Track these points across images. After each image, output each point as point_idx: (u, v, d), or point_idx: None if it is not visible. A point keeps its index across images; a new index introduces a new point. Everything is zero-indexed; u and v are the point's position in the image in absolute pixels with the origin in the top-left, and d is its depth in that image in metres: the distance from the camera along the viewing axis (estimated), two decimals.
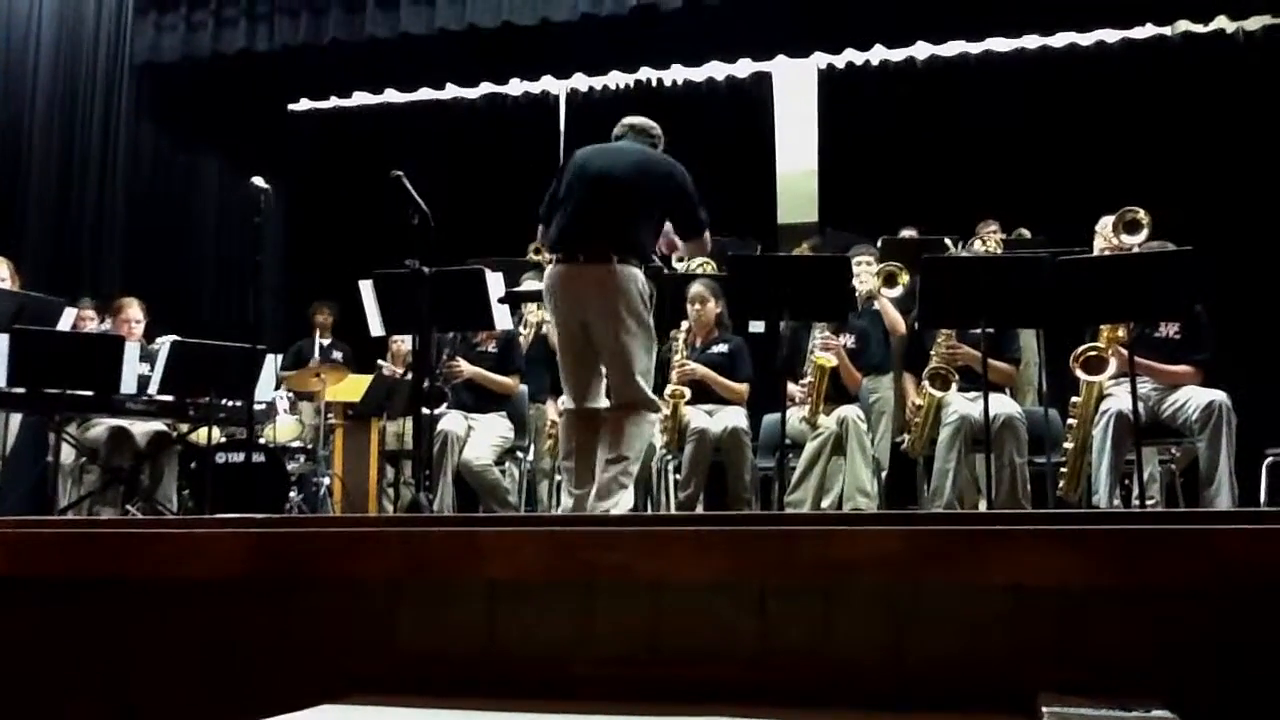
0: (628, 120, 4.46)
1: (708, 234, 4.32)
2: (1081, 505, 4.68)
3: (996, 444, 4.62)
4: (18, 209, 7.81)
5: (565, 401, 4.28)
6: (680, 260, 5.61)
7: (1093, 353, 4.61)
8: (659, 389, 4.56)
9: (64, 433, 5.49)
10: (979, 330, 4.66)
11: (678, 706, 1.56)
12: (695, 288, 5.47)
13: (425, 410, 4.65)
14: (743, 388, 5.35)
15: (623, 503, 4.05)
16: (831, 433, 5.01)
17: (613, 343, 4.02)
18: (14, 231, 7.63)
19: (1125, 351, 4.43)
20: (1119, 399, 4.54)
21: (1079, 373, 4.62)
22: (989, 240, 6.34)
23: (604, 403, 4.22)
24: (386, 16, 7.95)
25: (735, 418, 5.19)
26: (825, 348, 5.09)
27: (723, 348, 5.43)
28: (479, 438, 5.47)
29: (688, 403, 5.25)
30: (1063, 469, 4.74)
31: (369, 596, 1.84)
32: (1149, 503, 4.78)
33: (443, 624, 1.80)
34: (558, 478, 5.49)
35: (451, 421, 5.45)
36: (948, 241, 5.94)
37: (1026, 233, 6.13)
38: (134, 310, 6.11)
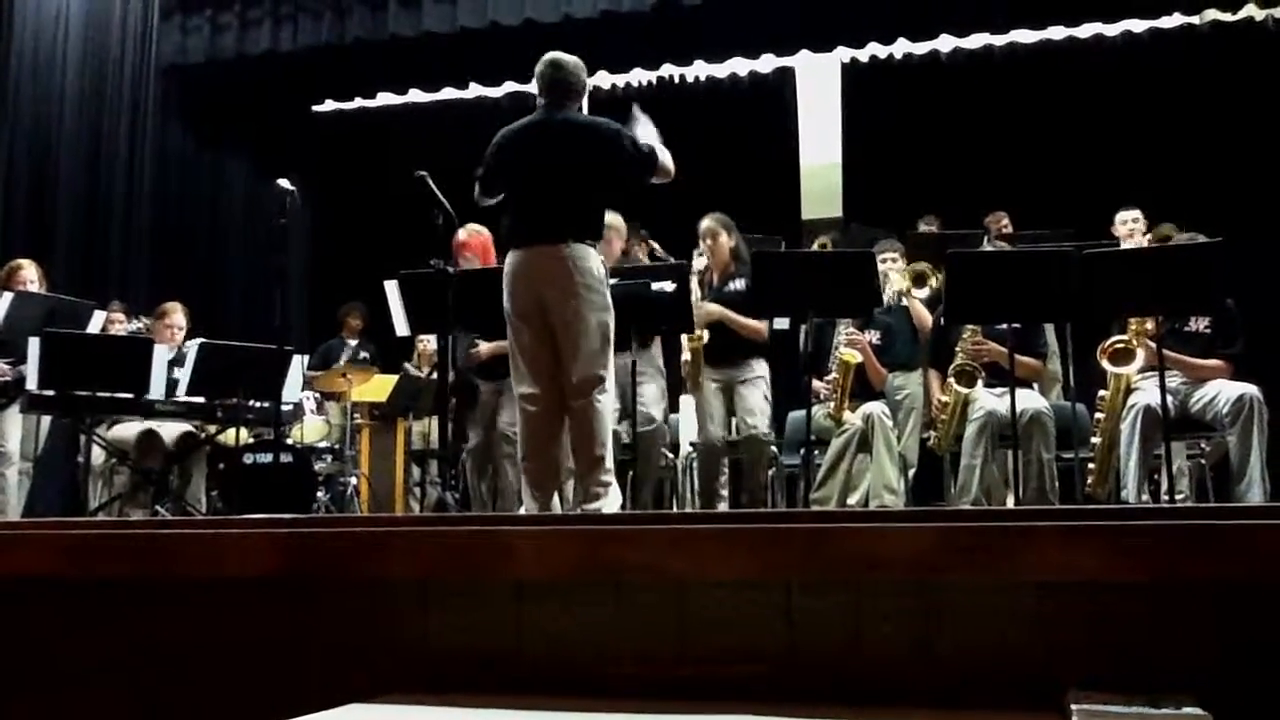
0: (545, 71, 4.23)
1: (661, 156, 4.20)
2: (1110, 501, 4.64)
3: (1024, 440, 4.59)
4: (46, 212, 7.88)
5: (523, 387, 4.13)
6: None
7: (1120, 345, 4.56)
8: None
9: (94, 434, 5.53)
10: (1005, 326, 4.64)
11: (705, 705, 1.56)
12: (704, 223, 5.30)
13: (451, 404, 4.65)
14: (761, 325, 5.15)
15: (611, 500, 4.02)
16: (857, 429, 4.99)
17: (570, 317, 3.99)
18: (43, 234, 7.70)
19: (1153, 344, 4.39)
20: (1147, 393, 4.50)
21: (1106, 364, 4.58)
22: (998, 230, 6.31)
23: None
24: (409, 15, 7.99)
25: (755, 416, 5.10)
26: (850, 343, 5.06)
27: (739, 284, 5.22)
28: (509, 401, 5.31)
29: (707, 361, 5.13)
30: (1091, 465, 4.71)
31: (397, 596, 1.85)
32: (1179, 498, 4.74)
33: (470, 623, 1.80)
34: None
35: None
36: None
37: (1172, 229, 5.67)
38: (177, 316, 6.17)
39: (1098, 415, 4.71)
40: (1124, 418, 4.53)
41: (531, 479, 4.13)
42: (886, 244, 5.69)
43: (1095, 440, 4.71)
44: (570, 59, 4.29)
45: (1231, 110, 7.40)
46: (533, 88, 4.35)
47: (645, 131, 4.23)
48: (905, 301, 5.41)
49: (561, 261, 3.98)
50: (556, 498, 4.28)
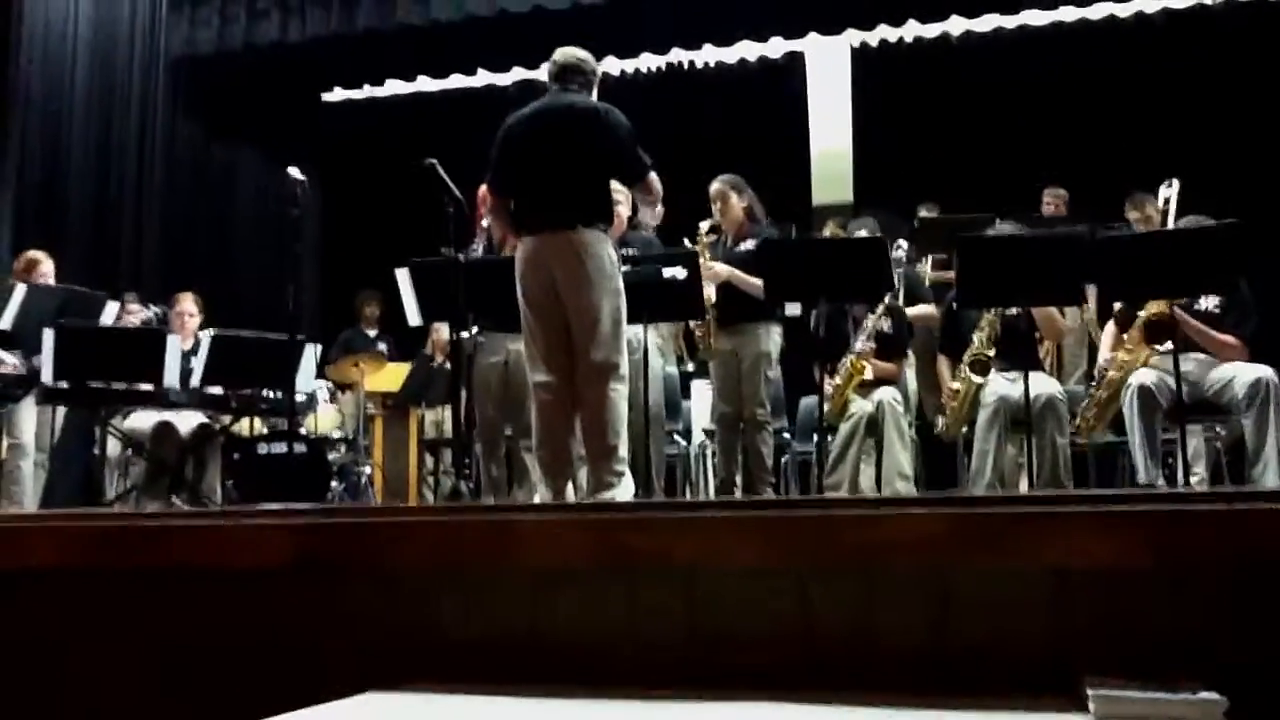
0: (557, 59, 4.25)
1: (653, 176, 4.16)
2: (1122, 483, 4.63)
3: (1038, 424, 4.57)
4: (58, 203, 7.91)
5: (537, 375, 4.12)
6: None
7: (1157, 316, 4.47)
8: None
9: (110, 426, 5.56)
10: (1017, 312, 4.63)
11: (719, 691, 1.57)
12: (713, 186, 5.25)
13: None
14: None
15: (625, 490, 4.00)
16: (864, 414, 4.97)
17: (582, 304, 3.97)
18: (55, 226, 7.72)
19: (1181, 313, 4.37)
20: (1143, 374, 4.48)
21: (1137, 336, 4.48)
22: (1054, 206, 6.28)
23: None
24: (417, 4, 7.98)
25: (755, 401, 5.08)
26: (862, 358, 5.01)
27: (751, 244, 5.13)
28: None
29: (718, 320, 5.08)
30: (1089, 414, 4.69)
31: (412, 585, 1.85)
32: (1194, 481, 4.72)
33: (485, 611, 1.81)
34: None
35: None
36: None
37: None
38: (188, 304, 6.19)
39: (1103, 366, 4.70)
40: (1123, 400, 4.52)
41: (545, 467, 4.12)
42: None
43: (1093, 392, 4.71)
44: (580, 50, 4.29)
45: (1245, 89, 7.35)
46: (541, 74, 4.34)
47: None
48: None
49: (571, 247, 3.97)
50: (570, 485, 4.27)
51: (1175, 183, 5.18)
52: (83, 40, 8.25)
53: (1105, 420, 4.75)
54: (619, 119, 4.11)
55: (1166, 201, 5.37)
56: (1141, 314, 4.53)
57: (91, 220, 8.11)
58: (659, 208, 4.38)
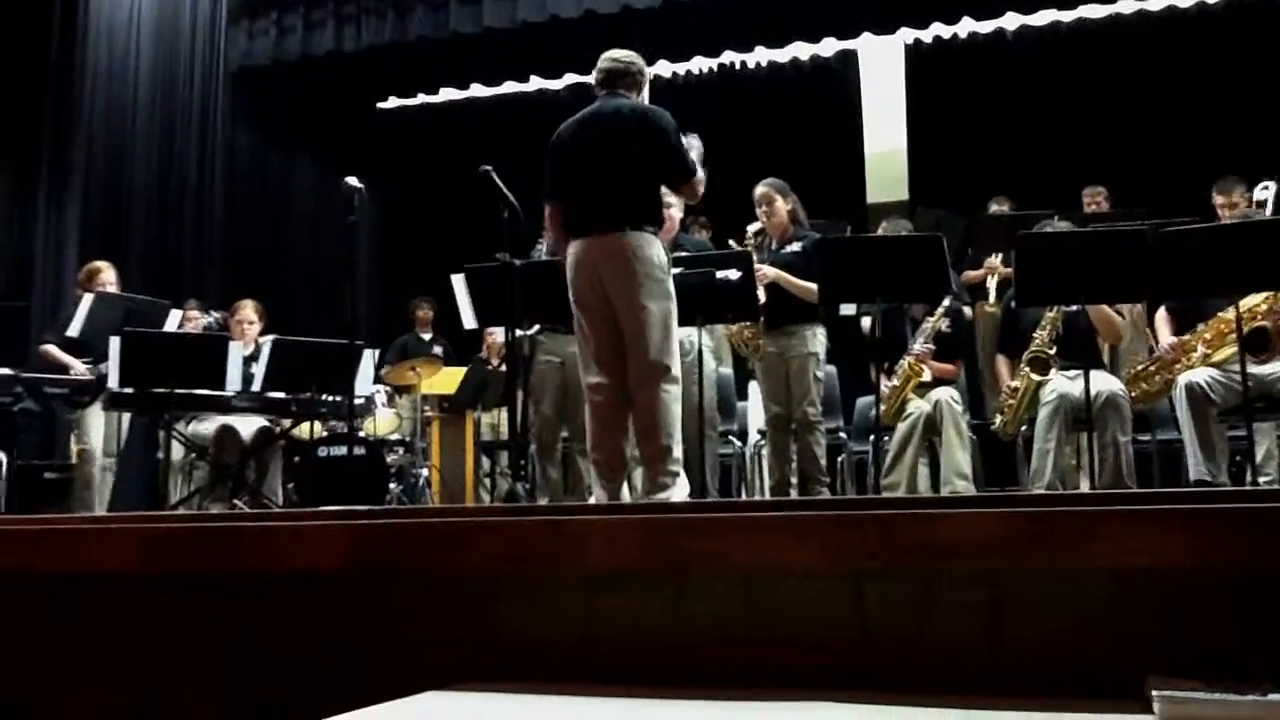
0: (602, 65, 4.27)
1: (700, 174, 4.16)
2: (1180, 483, 4.54)
3: (1099, 423, 4.50)
4: (122, 214, 8.08)
5: (590, 377, 4.14)
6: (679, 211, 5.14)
7: (1258, 329, 4.34)
8: None
9: (174, 431, 5.67)
10: (1077, 308, 4.56)
11: (775, 692, 1.56)
12: (758, 190, 5.25)
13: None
14: (814, 286, 4.94)
15: (680, 491, 3.99)
16: (922, 414, 4.93)
17: (633, 307, 3.96)
18: (118, 236, 7.90)
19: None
20: (1193, 373, 4.40)
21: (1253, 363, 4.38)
22: (1092, 205, 6.20)
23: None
24: (470, 12, 8.06)
25: (806, 401, 5.06)
26: (920, 360, 4.98)
27: (796, 247, 5.16)
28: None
29: (765, 323, 5.07)
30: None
31: (469, 586, 1.87)
32: (1263, 480, 4.63)
33: (542, 613, 1.82)
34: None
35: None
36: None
37: None
38: (248, 311, 6.30)
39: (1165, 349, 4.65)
40: (1174, 397, 4.46)
41: (600, 470, 4.13)
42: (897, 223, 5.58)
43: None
44: (625, 52, 4.30)
45: None
46: (593, 79, 4.36)
47: (693, 155, 4.19)
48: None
49: (621, 250, 3.97)
50: (625, 486, 4.27)
51: (1273, 185, 5.07)
52: (145, 53, 8.43)
53: (1147, 400, 4.71)
54: (665, 121, 4.11)
55: (1261, 205, 5.26)
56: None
57: (154, 230, 8.28)
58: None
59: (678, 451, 4.03)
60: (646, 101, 4.29)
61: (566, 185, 4.19)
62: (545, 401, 4.99)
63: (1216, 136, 7.13)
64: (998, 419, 4.95)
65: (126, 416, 5.94)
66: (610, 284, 4.00)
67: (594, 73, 4.31)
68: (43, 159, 7.94)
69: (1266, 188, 5.25)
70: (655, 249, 4.02)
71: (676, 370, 4.06)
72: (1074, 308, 4.66)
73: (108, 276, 5.99)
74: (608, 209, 4.03)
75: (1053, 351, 4.73)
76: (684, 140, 4.16)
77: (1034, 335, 4.76)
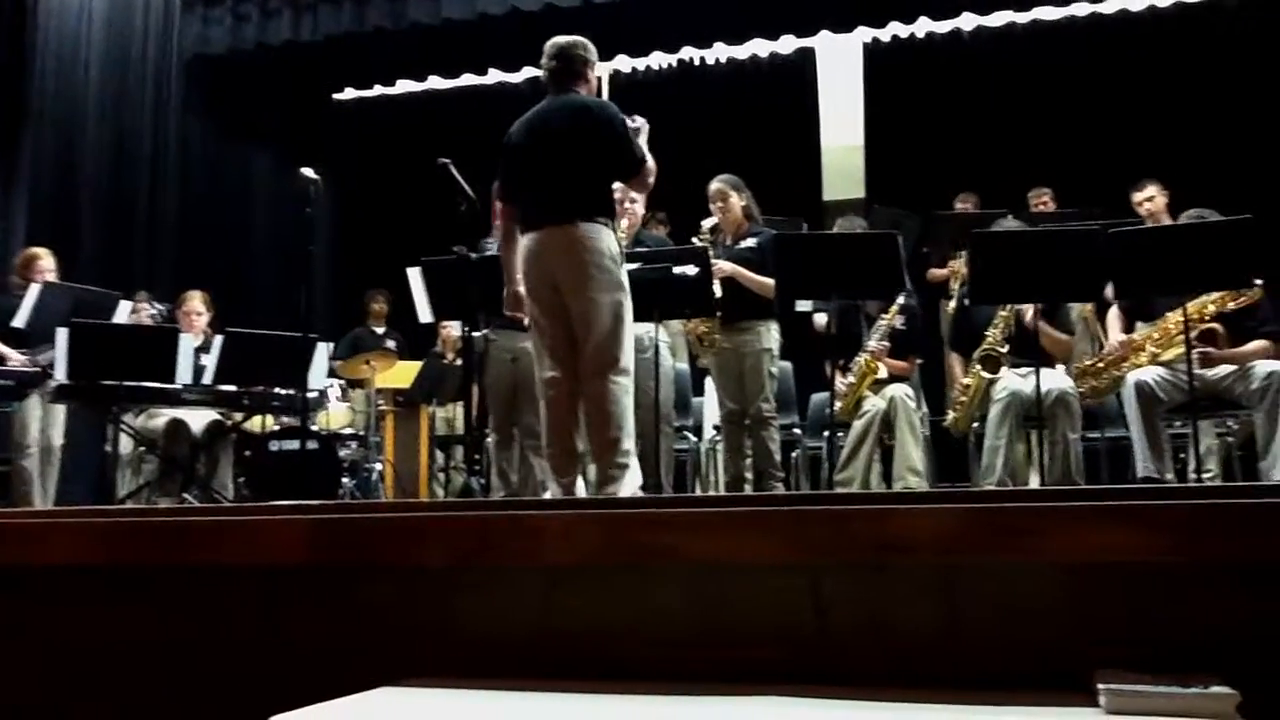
0: (548, 63, 4.27)
1: (648, 167, 4.15)
2: (1126, 480, 4.62)
3: (1049, 420, 4.56)
4: (72, 204, 7.95)
5: (544, 372, 4.13)
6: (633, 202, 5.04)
7: (1207, 325, 4.45)
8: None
9: (122, 423, 5.59)
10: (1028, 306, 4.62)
11: (732, 687, 1.57)
12: (713, 185, 5.27)
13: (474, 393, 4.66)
14: (770, 281, 4.95)
15: (629, 483, 3.98)
16: (878, 410, 4.97)
17: (583, 300, 3.97)
18: (69, 226, 7.76)
19: (1218, 353, 4.41)
20: (1141, 371, 4.48)
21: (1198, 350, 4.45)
22: (1038, 206, 6.30)
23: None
24: (428, 3, 8.00)
25: (760, 397, 5.08)
26: (876, 357, 5.02)
27: (751, 242, 5.19)
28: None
29: (721, 318, 5.07)
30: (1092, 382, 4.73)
31: (425, 581, 1.86)
32: (1206, 476, 4.71)
33: (498, 607, 1.82)
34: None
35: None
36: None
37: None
38: (195, 303, 6.22)
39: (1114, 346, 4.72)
40: (1123, 396, 4.54)
41: (554, 464, 4.13)
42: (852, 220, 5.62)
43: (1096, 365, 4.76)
44: (571, 39, 4.29)
45: (1260, 84, 7.31)
46: (541, 73, 4.35)
47: (640, 141, 4.20)
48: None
49: (572, 242, 3.96)
50: (581, 482, 4.27)
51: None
52: (96, 41, 8.29)
53: (1096, 395, 4.80)
54: (610, 112, 4.13)
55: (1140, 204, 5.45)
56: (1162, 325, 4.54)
57: (106, 220, 8.14)
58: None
59: (627, 444, 4.02)
60: (595, 87, 4.30)
61: (518, 182, 4.19)
62: (499, 398, 4.98)
63: (1164, 138, 7.25)
64: (949, 415, 5.01)
65: (60, 410, 5.80)
66: (561, 276, 3.99)
67: (542, 63, 4.29)
68: None
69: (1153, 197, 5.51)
70: (606, 240, 4.01)
71: (626, 362, 4.05)
72: (1026, 306, 4.72)
73: (46, 264, 5.84)
74: (558, 202, 4.02)
75: (1005, 350, 4.78)
76: (630, 120, 4.17)
77: (986, 334, 4.81)
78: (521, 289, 4.12)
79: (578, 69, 4.26)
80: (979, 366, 4.81)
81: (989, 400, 4.76)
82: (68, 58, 8.11)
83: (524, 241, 4.10)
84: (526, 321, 4.25)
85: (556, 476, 4.12)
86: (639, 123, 4.23)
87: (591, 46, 4.32)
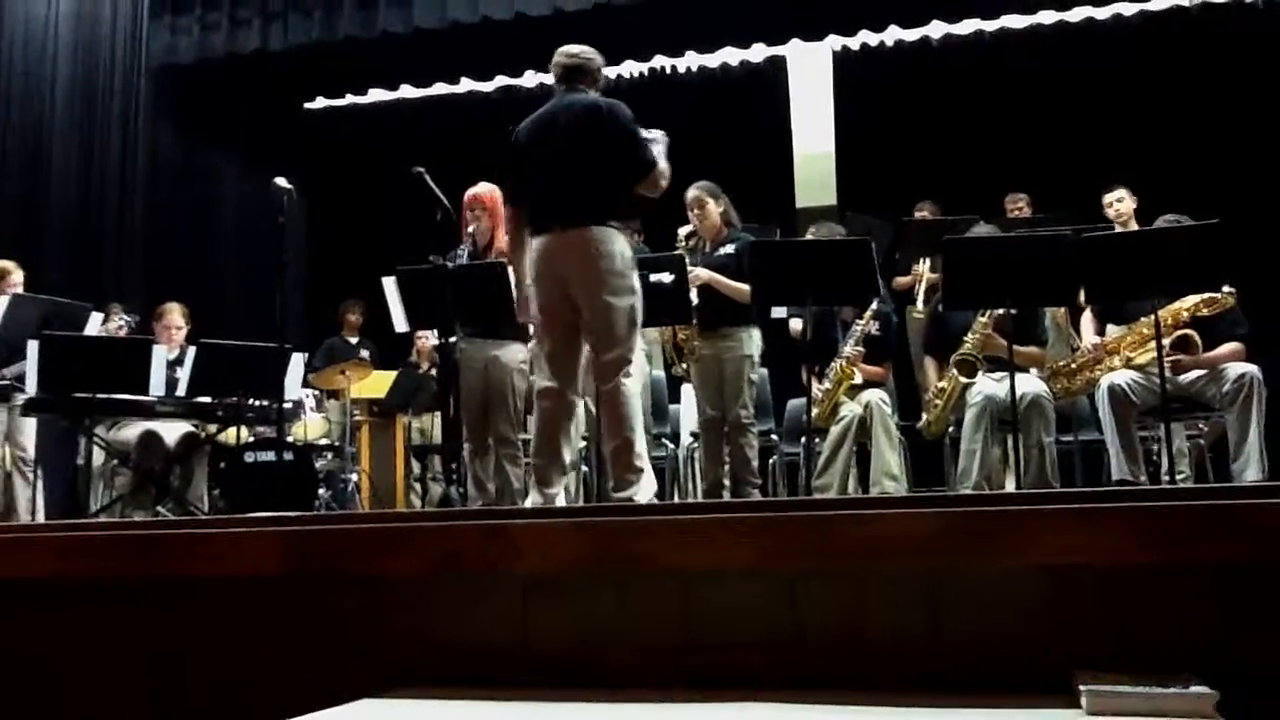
0: (559, 60, 4.24)
1: (660, 167, 4.09)
2: (1100, 482, 4.66)
3: (1024, 424, 4.60)
4: (39, 214, 7.87)
5: (542, 380, 4.09)
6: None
7: (1184, 336, 4.50)
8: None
9: (95, 436, 5.53)
10: (1003, 312, 4.65)
11: (713, 694, 1.57)
12: (690, 192, 5.24)
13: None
14: (747, 288, 4.95)
15: (645, 487, 3.93)
16: (855, 416, 4.99)
17: (595, 302, 3.91)
18: (36, 236, 7.68)
19: (1189, 359, 4.46)
20: (1115, 375, 4.53)
21: (1170, 358, 4.47)
22: (1014, 212, 6.35)
23: (579, 390, 4.09)
24: (399, 12, 7.97)
25: (739, 404, 5.07)
26: (852, 363, 5.04)
27: (729, 249, 5.15)
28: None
29: (700, 325, 5.07)
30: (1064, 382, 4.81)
31: (403, 591, 1.85)
32: (1179, 478, 4.75)
33: (477, 617, 1.81)
34: (584, 469, 5.47)
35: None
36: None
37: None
38: (174, 316, 6.16)
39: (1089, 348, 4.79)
40: (1097, 399, 4.59)
41: (539, 475, 4.07)
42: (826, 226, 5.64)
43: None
44: (582, 47, 4.26)
45: (1226, 91, 7.40)
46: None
47: (657, 149, 4.16)
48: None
49: (584, 246, 3.90)
50: (561, 491, 4.25)
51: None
52: (63, 48, 8.22)
53: (1069, 395, 4.89)
54: (622, 113, 4.07)
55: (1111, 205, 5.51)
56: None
57: (73, 230, 8.07)
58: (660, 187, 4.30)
59: (640, 446, 3.96)
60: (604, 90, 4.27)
61: (527, 184, 4.12)
62: (471, 406, 4.97)
63: (1134, 144, 7.32)
64: (924, 418, 5.03)
65: (31, 424, 5.74)
66: (574, 280, 3.94)
67: (551, 68, 4.25)
68: None
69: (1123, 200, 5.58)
70: (619, 244, 3.95)
71: (638, 365, 4.01)
72: (1000, 312, 4.75)
73: (16, 278, 5.79)
74: (570, 204, 3.96)
75: (980, 355, 4.81)
76: (648, 134, 4.12)
77: (964, 339, 4.83)
78: (531, 292, 4.05)
79: (592, 73, 4.23)
80: (955, 371, 4.83)
81: (963, 404, 4.78)
82: (34, 68, 8.03)
83: (534, 245, 4.03)
84: (532, 330, 4.20)
85: (541, 487, 4.05)
86: (656, 135, 4.20)
87: (602, 63, 4.31)
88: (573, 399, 4.07)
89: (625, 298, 3.95)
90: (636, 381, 4.02)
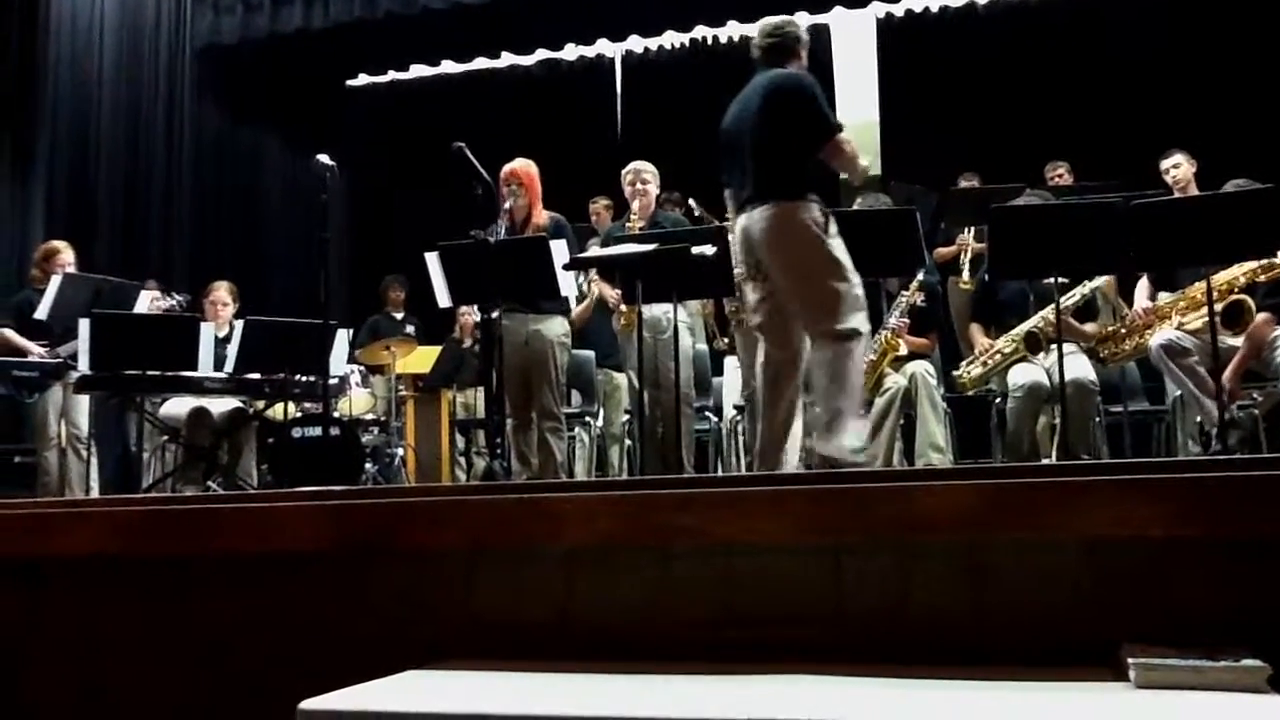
0: (754, 42, 4.28)
1: (841, 137, 4.05)
2: (1162, 454, 4.60)
3: (1071, 407, 4.54)
4: (87, 194, 7.97)
5: (759, 354, 4.11)
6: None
7: (1237, 302, 4.41)
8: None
9: (145, 413, 5.62)
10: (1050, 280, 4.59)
11: (754, 666, 1.57)
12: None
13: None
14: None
15: (851, 435, 3.82)
16: (900, 388, 4.95)
17: (788, 275, 3.93)
18: (85, 216, 7.79)
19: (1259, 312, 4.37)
20: (1159, 334, 4.46)
21: (1225, 334, 4.38)
22: (1054, 180, 6.25)
23: (806, 348, 4.04)
24: None
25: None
26: (896, 334, 5.00)
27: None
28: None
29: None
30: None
31: (447, 564, 1.87)
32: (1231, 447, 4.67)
33: (521, 589, 1.82)
34: (628, 442, 5.47)
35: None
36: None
37: None
38: (222, 293, 6.24)
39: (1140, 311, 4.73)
40: (1153, 359, 4.52)
41: (763, 444, 4.04)
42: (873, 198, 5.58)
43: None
44: (778, 20, 4.27)
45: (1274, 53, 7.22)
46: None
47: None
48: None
49: (770, 221, 3.91)
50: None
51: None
52: (109, 31, 8.30)
53: (1115, 361, 4.82)
54: (794, 83, 4.06)
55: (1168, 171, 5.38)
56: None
57: (121, 210, 8.18)
58: (862, 162, 4.26)
59: (852, 405, 3.87)
60: (804, 64, 4.25)
61: (727, 166, 4.17)
62: (513, 380, 5.00)
63: (1184, 109, 7.17)
64: (962, 367, 5.00)
65: (85, 402, 5.82)
66: (765, 257, 3.96)
67: (753, 43, 4.29)
68: (5, 140, 7.82)
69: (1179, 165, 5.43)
70: (805, 215, 3.90)
71: (855, 323, 3.91)
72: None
73: (66, 257, 5.88)
74: (753, 183, 4.00)
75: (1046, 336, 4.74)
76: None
77: (1038, 315, 4.75)
78: (740, 270, 4.10)
79: (790, 45, 4.21)
80: (1022, 342, 4.78)
81: (1004, 379, 4.74)
82: (81, 51, 8.12)
83: (738, 223, 4.07)
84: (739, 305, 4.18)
85: (767, 456, 4.02)
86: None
87: (802, 26, 4.30)
88: (790, 366, 4.05)
89: (823, 265, 3.90)
90: (858, 344, 3.93)
